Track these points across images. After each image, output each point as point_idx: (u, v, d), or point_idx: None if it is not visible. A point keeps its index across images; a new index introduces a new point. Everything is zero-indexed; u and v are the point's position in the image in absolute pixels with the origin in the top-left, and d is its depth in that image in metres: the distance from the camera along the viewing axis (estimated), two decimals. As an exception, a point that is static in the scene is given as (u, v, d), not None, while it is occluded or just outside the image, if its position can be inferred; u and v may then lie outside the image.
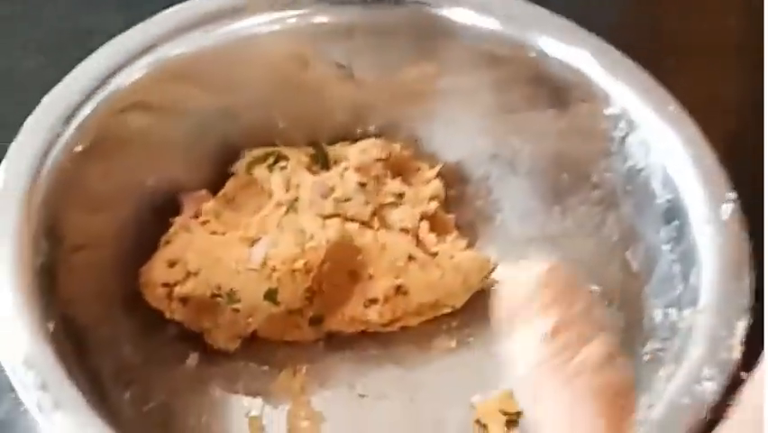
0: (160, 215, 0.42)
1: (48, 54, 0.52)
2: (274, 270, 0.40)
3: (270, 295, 0.40)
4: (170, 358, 0.41)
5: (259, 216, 0.42)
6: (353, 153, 0.43)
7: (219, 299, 0.40)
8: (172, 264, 0.40)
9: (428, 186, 0.44)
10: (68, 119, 0.38)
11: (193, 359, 0.42)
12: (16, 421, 0.39)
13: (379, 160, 0.43)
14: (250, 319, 0.40)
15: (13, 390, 0.33)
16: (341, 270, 0.41)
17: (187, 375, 0.41)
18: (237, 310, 0.40)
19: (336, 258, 0.41)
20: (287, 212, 0.41)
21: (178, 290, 0.40)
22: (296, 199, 0.41)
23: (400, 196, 0.43)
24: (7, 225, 0.35)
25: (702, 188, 0.38)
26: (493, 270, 0.42)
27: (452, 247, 0.43)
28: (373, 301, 0.41)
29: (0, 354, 0.33)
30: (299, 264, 0.40)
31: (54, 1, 0.55)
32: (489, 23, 0.42)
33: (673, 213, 0.38)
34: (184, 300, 0.40)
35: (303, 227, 0.40)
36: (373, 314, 0.41)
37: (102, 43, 0.41)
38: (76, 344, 0.36)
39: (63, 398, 0.32)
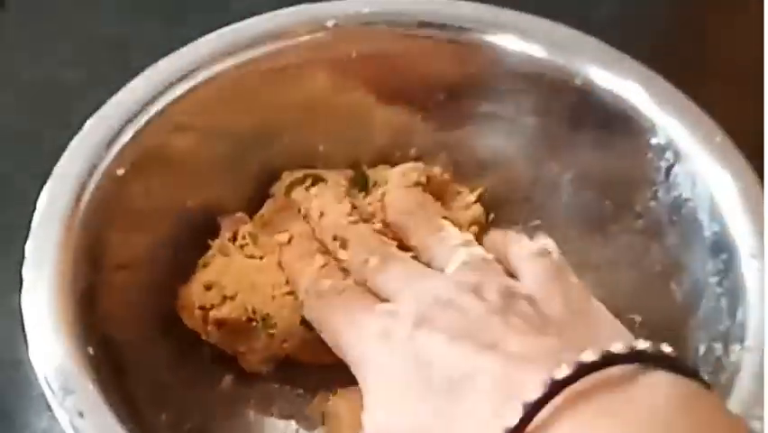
0: (198, 236, 0.42)
1: (88, 68, 0.53)
2: None
3: (306, 320, 0.40)
4: (205, 380, 0.41)
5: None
6: (393, 177, 0.43)
7: (254, 323, 0.40)
8: (209, 287, 0.40)
9: (468, 210, 0.44)
10: (109, 143, 0.38)
11: (228, 381, 0.41)
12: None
13: (418, 183, 0.43)
14: (285, 344, 0.40)
15: (50, 408, 0.33)
16: None
17: (221, 398, 0.41)
18: (272, 335, 0.40)
19: None
20: None
21: (213, 313, 0.40)
22: None
23: None
24: (49, 250, 0.35)
25: (750, 221, 0.37)
26: None
27: None
28: None
29: (39, 377, 0.33)
30: None
31: (93, 14, 0.56)
32: (533, 50, 0.41)
33: (720, 246, 0.38)
34: (219, 324, 0.40)
35: None
36: None
37: (142, 56, 0.41)
38: (114, 367, 0.36)
39: (101, 425, 0.32)
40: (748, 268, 0.36)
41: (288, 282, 0.40)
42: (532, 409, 0.25)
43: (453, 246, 0.36)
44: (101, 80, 0.51)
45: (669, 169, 0.40)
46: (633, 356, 0.26)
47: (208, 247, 0.42)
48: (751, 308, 0.35)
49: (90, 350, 0.34)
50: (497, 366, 0.28)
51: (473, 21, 0.41)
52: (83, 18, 0.56)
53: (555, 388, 0.25)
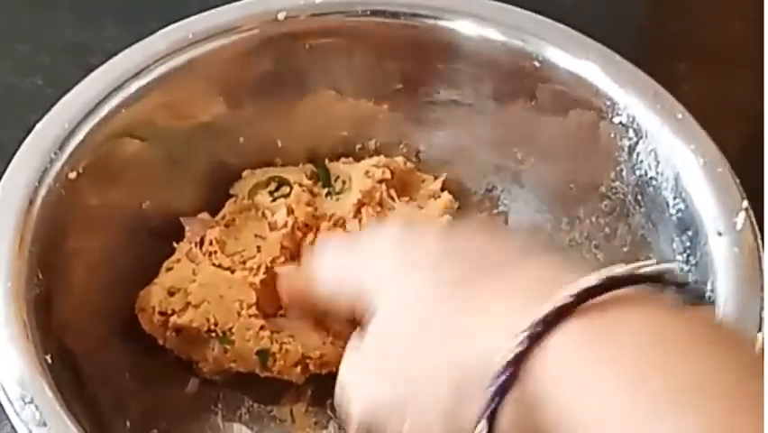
0: (156, 238, 0.41)
1: (45, 74, 0.52)
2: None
3: (262, 356, 0.39)
4: (170, 384, 0.40)
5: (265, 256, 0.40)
6: (356, 177, 0.42)
7: (213, 335, 0.39)
8: (172, 293, 0.39)
9: (438, 199, 0.43)
10: (61, 146, 0.37)
11: (193, 385, 0.41)
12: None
13: (382, 180, 0.42)
14: (234, 364, 0.40)
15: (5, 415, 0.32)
16: None
17: (187, 402, 0.40)
18: (226, 351, 0.39)
19: None
20: None
21: (174, 319, 0.39)
22: None
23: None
24: (1, 258, 0.34)
25: (715, 198, 0.37)
26: None
27: None
28: None
29: (-2, 389, 0.32)
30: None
31: (51, 19, 0.55)
32: (489, 33, 0.41)
33: (686, 223, 0.37)
34: (178, 330, 0.39)
35: None
36: None
37: (100, 61, 0.41)
38: (73, 374, 0.35)
39: (63, 433, 0.31)
40: (714, 244, 0.36)
41: (255, 305, 0.39)
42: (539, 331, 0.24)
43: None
44: (59, 84, 0.50)
45: (632, 148, 0.39)
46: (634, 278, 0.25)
47: (170, 250, 0.41)
48: (719, 283, 0.35)
49: (48, 358, 0.33)
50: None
51: (427, 7, 0.41)
52: (40, 22, 0.55)
53: (582, 296, 0.24)
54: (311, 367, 0.40)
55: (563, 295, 0.25)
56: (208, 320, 0.39)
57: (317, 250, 0.34)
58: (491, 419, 0.25)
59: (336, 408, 0.30)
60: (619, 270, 0.25)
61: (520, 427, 0.25)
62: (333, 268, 0.32)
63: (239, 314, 0.39)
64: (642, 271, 0.26)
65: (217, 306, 0.39)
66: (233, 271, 0.40)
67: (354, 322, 0.31)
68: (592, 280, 0.25)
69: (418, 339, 0.27)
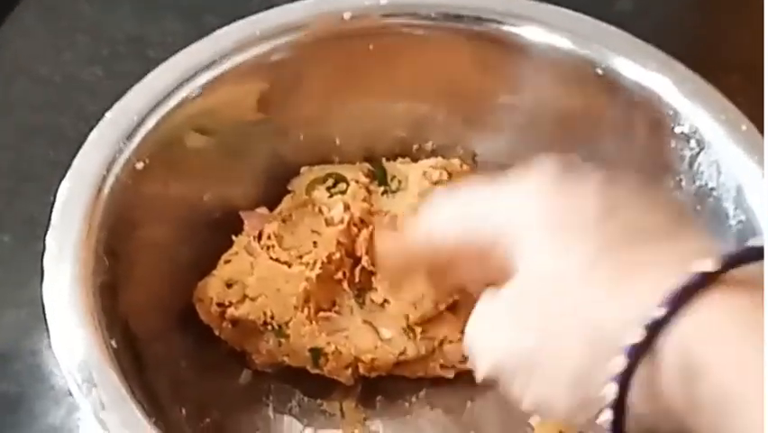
0: (217, 231, 0.41)
1: (104, 65, 0.53)
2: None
3: (315, 354, 0.40)
4: (224, 374, 0.41)
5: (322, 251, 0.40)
6: (413, 177, 0.43)
7: (269, 327, 0.40)
8: (230, 285, 0.40)
9: None
10: (129, 136, 0.37)
11: (246, 376, 0.41)
12: (71, 428, 0.39)
13: (438, 182, 0.42)
14: (286, 358, 0.40)
15: (69, 393, 0.33)
16: None
17: (240, 392, 0.41)
18: (280, 344, 0.40)
19: None
20: None
21: (231, 311, 0.40)
22: None
23: None
24: (70, 242, 0.35)
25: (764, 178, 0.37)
26: None
27: None
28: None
29: (63, 370, 0.33)
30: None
31: (111, 12, 0.56)
32: (555, 40, 0.41)
33: (747, 234, 0.37)
34: (234, 321, 0.40)
35: None
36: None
37: (159, 54, 0.41)
38: (135, 360, 0.36)
39: (126, 418, 0.32)
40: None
41: (310, 300, 0.39)
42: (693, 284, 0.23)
43: None
44: (118, 75, 0.51)
45: (693, 158, 0.39)
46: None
47: (229, 243, 0.41)
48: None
49: (113, 343, 0.34)
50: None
51: (494, 12, 0.41)
52: (100, 14, 0.56)
53: (724, 267, 0.24)
54: (361, 370, 0.40)
55: (704, 264, 0.24)
56: (265, 313, 0.40)
57: (438, 201, 0.31)
58: (622, 384, 0.24)
59: (467, 351, 0.30)
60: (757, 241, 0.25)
61: (651, 396, 0.25)
62: (464, 217, 0.30)
63: (295, 308, 0.39)
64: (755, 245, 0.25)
65: (274, 299, 0.40)
66: (290, 266, 0.40)
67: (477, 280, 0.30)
68: (732, 251, 0.24)
69: (559, 301, 0.26)
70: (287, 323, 0.39)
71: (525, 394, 0.28)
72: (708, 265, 0.24)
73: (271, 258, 0.40)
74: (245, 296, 0.40)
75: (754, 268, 0.24)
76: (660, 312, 0.24)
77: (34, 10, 0.56)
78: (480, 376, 0.29)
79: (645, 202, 0.28)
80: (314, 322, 0.40)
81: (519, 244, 0.28)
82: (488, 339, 0.29)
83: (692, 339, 0.24)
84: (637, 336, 0.24)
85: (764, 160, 0.37)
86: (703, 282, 0.24)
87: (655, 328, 0.24)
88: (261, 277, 0.40)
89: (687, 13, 0.59)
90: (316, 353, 0.40)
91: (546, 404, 0.27)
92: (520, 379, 0.28)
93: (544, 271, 0.27)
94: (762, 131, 0.38)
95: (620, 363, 0.24)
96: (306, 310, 0.40)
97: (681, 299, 0.24)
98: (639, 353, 0.24)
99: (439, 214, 0.31)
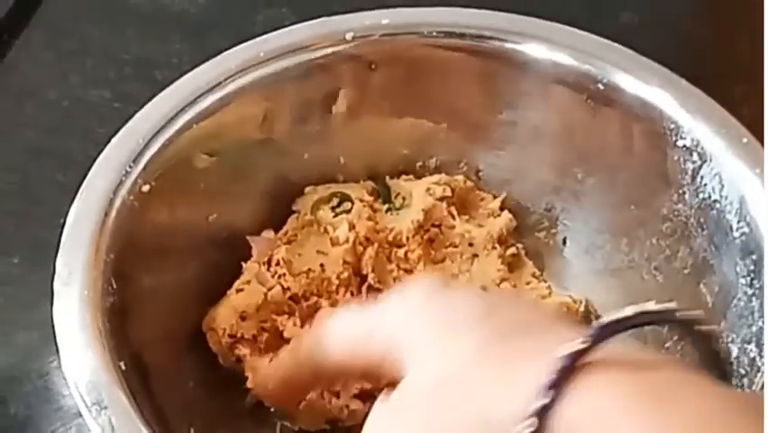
0: (221, 251, 0.42)
1: (112, 88, 0.54)
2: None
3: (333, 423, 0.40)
4: (231, 394, 0.41)
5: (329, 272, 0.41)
6: (417, 194, 0.43)
7: None
8: (244, 317, 0.40)
9: (497, 218, 0.44)
10: (135, 159, 0.38)
11: (252, 399, 0.41)
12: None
13: (442, 198, 0.43)
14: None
15: (78, 415, 0.33)
16: None
17: (247, 414, 0.41)
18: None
19: None
20: None
21: (240, 349, 0.40)
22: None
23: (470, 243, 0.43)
24: (78, 264, 0.35)
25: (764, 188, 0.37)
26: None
27: (537, 291, 0.43)
28: None
29: (72, 391, 0.33)
30: None
31: (118, 34, 0.57)
32: (557, 57, 0.41)
33: (750, 246, 0.37)
34: (239, 360, 0.40)
35: None
36: None
37: (165, 75, 0.42)
38: (143, 381, 0.36)
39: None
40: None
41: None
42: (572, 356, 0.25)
43: None
44: (126, 97, 0.52)
45: (695, 171, 0.39)
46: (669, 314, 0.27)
47: (235, 264, 0.42)
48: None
49: (122, 365, 0.34)
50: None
51: (495, 29, 0.42)
52: (107, 36, 0.57)
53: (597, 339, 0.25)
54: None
55: (576, 344, 0.25)
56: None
57: (322, 322, 0.33)
58: None
59: None
60: (629, 310, 0.26)
61: None
62: (348, 337, 0.31)
63: None
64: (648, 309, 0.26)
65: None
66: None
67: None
68: (599, 327, 0.26)
69: (446, 399, 0.27)
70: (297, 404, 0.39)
71: None
72: (580, 344, 0.25)
73: (282, 286, 0.40)
74: (262, 329, 0.40)
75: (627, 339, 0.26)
76: (546, 398, 0.25)
77: (42, 33, 0.57)
78: None
79: (521, 303, 0.31)
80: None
81: (405, 355, 0.29)
82: None
83: (579, 424, 0.24)
84: (530, 426, 0.25)
85: (765, 169, 0.37)
86: (579, 361, 0.25)
87: (544, 415, 0.25)
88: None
89: (691, 24, 0.59)
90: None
91: None
92: None
93: (430, 372, 0.28)
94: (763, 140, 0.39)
95: None
96: None
97: (561, 381, 0.25)
98: None
99: (322, 335, 0.32)
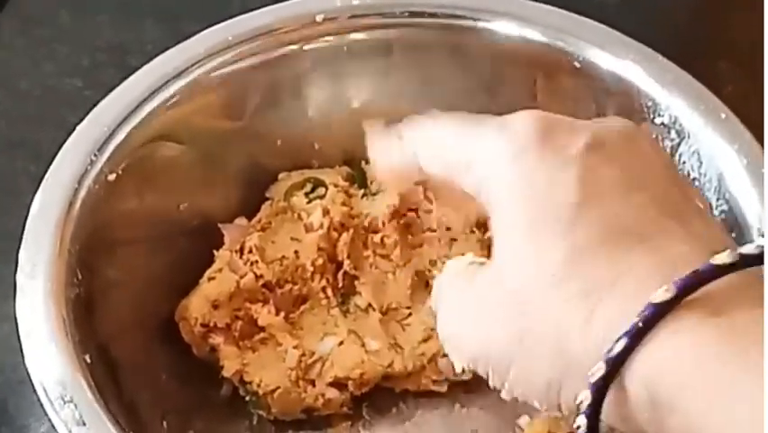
0: (193, 241, 0.41)
1: (84, 76, 0.53)
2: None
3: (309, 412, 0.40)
4: (207, 384, 0.40)
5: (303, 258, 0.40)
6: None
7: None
8: (216, 306, 0.39)
9: (475, 203, 0.43)
10: (100, 148, 0.37)
11: (227, 388, 0.40)
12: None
13: (419, 183, 0.42)
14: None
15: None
16: None
17: (222, 404, 0.40)
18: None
19: None
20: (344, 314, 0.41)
21: (214, 338, 0.40)
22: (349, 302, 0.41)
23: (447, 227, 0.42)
24: (42, 256, 0.35)
25: (759, 199, 0.36)
26: None
27: None
28: None
29: (36, 386, 0.33)
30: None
31: (91, 21, 0.56)
32: (530, 34, 0.40)
33: (730, 224, 0.37)
34: (213, 349, 0.40)
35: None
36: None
37: (139, 62, 0.41)
38: (112, 374, 0.35)
39: (102, 433, 0.31)
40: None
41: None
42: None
43: None
44: (99, 85, 0.51)
45: (674, 148, 0.39)
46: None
47: (207, 254, 0.41)
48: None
49: (87, 358, 0.33)
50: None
51: (466, 8, 0.41)
52: (80, 23, 0.56)
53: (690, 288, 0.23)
54: (351, 388, 0.39)
55: (663, 294, 0.23)
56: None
57: (427, 129, 0.31)
58: (591, 414, 0.24)
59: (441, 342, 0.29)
60: (746, 249, 0.24)
61: (623, 419, 0.24)
62: (451, 159, 0.29)
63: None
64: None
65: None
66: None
67: None
68: (693, 273, 0.23)
69: (532, 312, 0.26)
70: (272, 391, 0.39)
71: (503, 389, 0.27)
72: (668, 293, 0.23)
73: (255, 274, 0.40)
74: (236, 317, 0.39)
75: (719, 285, 0.24)
76: (619, 346, 0.23)
77: (13, 22, 0.56)
78: (458, 369, 0.29)
79: (635, 184, 0.26)
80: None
81: (495, 216, 0.27)
82: (461, 334, 0.28)
83: (656, 374, 0.23)
84: (600, 370, 0.24)
85: (764, 163, 0.37)
86: (664, 312, 0.23)
87: (616, 363, 0.24)
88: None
89: (674, 1, 0.58)
90: (310, 411, 0.40)
91: (524, 399, 0.27)
92: (496, 375, 0.27)
93: (516, 274, 0.26)
94: (757, 125, 0.38)
95: (586, 396, 0.24)
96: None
97: (640, 333, 0.23)
98: (602, 387, 0.24)
99: (421, 147, 0.30)
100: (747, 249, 0.24)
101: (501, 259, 0.27)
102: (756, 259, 0.24)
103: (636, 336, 0.23)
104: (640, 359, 0.23)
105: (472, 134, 0.29)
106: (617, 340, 0.23)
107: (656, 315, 0.23)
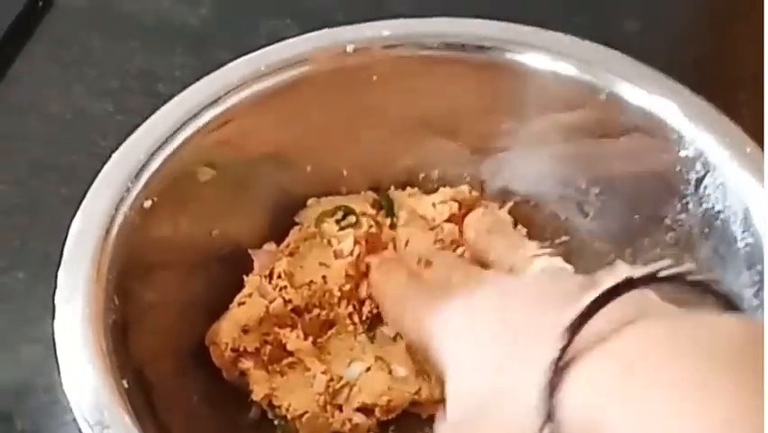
0: (225, 267, 0.42)
1: (114, 100, 0.54)
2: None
3: None
4: (235, 408, 0.41)
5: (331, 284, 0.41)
6: (424, 211, 0.43)
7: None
8: (246, 330, 0.40)
9: None
10: (137, 175, 0.38)
11: (256, 412, 0.41)
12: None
13: (451, 215, 0.42)
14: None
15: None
16: None
17: (251, 427, 0.41)
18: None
19: None
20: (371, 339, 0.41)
21: (244, 363, 0.40)
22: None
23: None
24: (79, 282, 0.35)
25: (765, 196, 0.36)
26: None
27: None
28: None
29: (74, 411, 0.33)
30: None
31: (121, 45, 0.57)
32: (559, 67, 0.41)
33: (755, 257, 0.37)
34: (244, 373, 0.40)
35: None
36: None
37: (168, 88, 0.42)
38: (147, 399, 0.36)
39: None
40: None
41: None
42: (585, 310, 0.26)
43: (531, 255, 0.37)
44: (128, 110, 0.52)
45: (699, 181, 0.39)
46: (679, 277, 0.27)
47: (239, 279, 0.42)
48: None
49: (125, 383, 0.34)
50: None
51: (497, 40, 0.41)
52: (110, 49, 0.57)
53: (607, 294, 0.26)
54: (377, 414, 0.40)
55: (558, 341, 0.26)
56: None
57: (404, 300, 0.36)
58: None
59: None
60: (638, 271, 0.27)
61: None
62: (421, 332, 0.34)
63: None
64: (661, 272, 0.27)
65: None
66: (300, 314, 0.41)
67: None
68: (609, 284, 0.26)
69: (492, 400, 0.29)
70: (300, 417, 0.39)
71: None
72: (560, 341, 0.26)
73: (284, 299, 0.40)
74: (265, 342, 0.40)
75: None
76: (546, 376, 0.26)
77: (44, 45, 0.57)
78: None
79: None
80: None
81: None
82: None
83: (578, 399, 0.25)
84: (536, 414, 0.26)
85: (765, 175, 0.37)
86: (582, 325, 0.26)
87: (549, 395, 0.26)
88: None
89: (694, 29, 0.59)
90: None
91: None
92: None
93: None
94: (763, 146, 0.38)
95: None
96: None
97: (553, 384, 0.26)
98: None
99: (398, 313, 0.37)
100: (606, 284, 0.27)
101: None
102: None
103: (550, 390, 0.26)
104: (565, 387, 0.26)
105: (436, 314, 0.34)
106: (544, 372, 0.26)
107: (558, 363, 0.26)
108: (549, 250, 0.38)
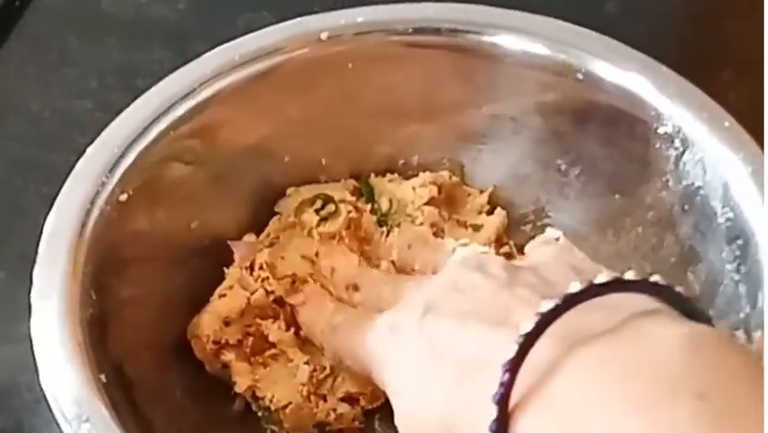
0: (205, 259, 0.41)
1: (93, 98, 0.53)
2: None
3: (321, 427, 0.40)
4: (219, 400, 0.41)
5: None
6: (405, 197, 0.43)
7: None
8: (227, 323, 0.40)
9: (492, 218, 0.43)
10: (111, 169, 0.37)
11: (240, 404, 0.41)
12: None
13: (431, 199, 0.42)
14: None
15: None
16: None
17: (235, 419, 0.41)
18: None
19: None
20: None
21: (226, 355, 0.40)
22: None
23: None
24: (56, 277, 0.35)
25: (764, 205, 0.36)
26: None
27: None
28: None
29: (53, 406, 0.33)
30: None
31: (99, 43, 0.56)
32: (532, 47, 0.41)
33: (736, 232, 0.37)
34: (226, 365, 0.40)
35: None
36: None
37: (147, 83, 0.41)
38: (127, 393, 0.35)
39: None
40: (766, 252, 0.35)
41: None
42: (525, 342, 0.26)
43: (451, 249, 0.36)
44: (108, 107, 0.51)
45: (678, 157, 0.39)
46: (618, 285, 0.27)
47: (219, 272, 0.41)
48: (770, 290, 0.34)
49: (103, 377, 0.34)
50: (510, 341, 0.27)
51: (469, 23, 0.41)
52: (88, 46, 0.56)
53: (546, 318, 0.26)
54: (362, 402, 0.40)
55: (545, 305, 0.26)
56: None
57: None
58: None
59: None
60: (601, 278, 0.26)
61: None
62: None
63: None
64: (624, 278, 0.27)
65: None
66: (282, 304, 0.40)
67: None
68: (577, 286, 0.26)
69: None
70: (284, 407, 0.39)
71: None
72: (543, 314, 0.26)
73: (266, 290, 0.40)
74: (247, 333, 0.40)
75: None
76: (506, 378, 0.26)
77: (22, 44, 0.56)
78: None
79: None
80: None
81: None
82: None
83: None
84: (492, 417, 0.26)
85: (765, 180, 0.37)
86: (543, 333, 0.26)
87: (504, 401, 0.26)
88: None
89: (676, 11, 0.58)
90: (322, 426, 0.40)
91: None
92: None
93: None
94: (761, 132, 0.38)
95: None
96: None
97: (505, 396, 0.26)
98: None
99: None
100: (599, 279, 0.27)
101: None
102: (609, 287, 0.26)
103: (503, 402, 0.26)
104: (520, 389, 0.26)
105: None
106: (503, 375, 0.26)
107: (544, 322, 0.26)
108: (466, 240, 0.37)
